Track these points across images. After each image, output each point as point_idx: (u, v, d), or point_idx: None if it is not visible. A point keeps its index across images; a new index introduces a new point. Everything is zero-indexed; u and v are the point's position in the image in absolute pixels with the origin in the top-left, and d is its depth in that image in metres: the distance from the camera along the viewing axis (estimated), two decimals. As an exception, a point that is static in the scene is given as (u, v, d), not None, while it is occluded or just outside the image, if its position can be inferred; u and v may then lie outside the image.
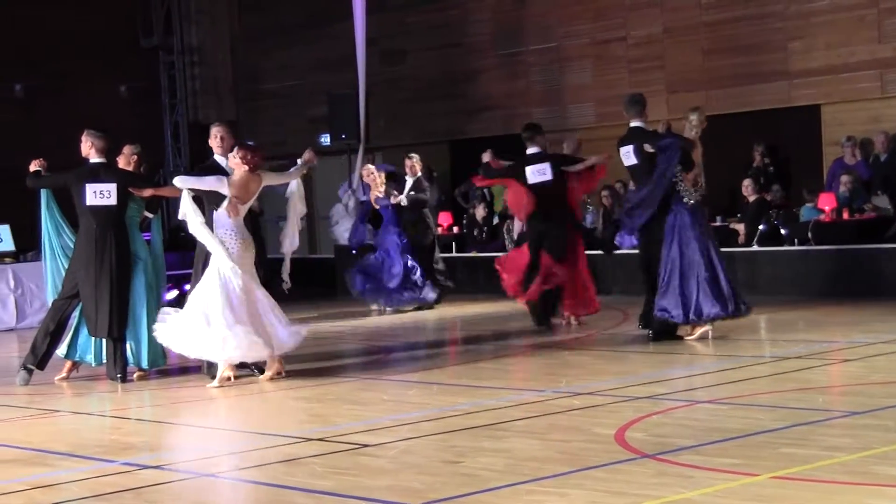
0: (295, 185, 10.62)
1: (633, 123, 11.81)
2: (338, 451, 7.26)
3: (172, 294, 18.04)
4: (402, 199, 16.19)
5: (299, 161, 10.68)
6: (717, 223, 16.74)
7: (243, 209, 10.04)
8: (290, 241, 10.64)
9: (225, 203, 9.95)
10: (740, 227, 16.64)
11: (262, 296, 10.14)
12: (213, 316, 9.79)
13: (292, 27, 23.09)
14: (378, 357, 12.18)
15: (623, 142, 11.81)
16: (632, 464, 6.45)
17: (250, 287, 10.01)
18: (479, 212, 19.55)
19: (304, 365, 11.26)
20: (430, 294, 16.09)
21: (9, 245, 16.88)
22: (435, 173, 19.79)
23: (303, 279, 12.29)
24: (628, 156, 11.71)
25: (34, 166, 10.71)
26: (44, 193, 10.96)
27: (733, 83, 18.23)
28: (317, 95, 21.80)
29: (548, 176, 13.03)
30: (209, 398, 9.75)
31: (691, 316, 11.14)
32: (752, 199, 16.80)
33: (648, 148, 11.51)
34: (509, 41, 20.66)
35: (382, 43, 21.51)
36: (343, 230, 20.05)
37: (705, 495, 5.70)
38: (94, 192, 10.40)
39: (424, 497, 5.98)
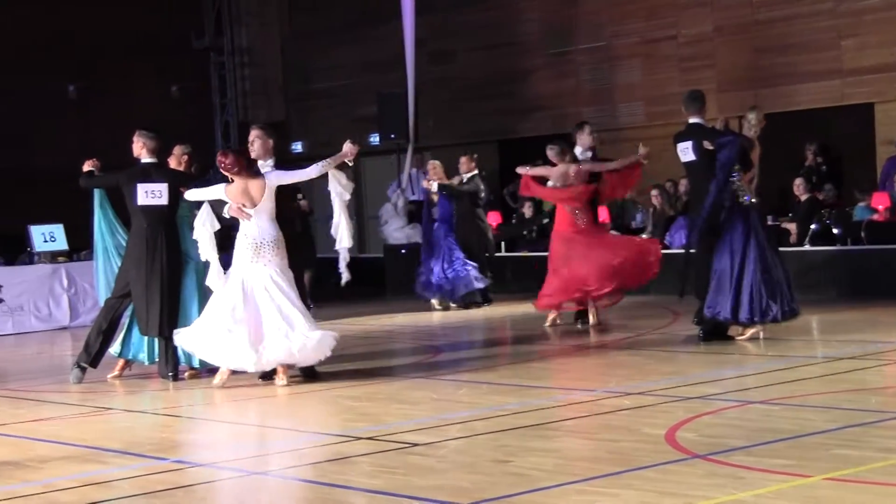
0: (331, 176, 10.44)
1: (692, 120, 11.70)
2: (387, 450, 7.27)
3: None
4: (433, 185, 16.30)
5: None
6: (769, 222, 16.60)
7: (258, 212, 9.94)
8: (341, 235, 10.48)
9: (226, 209, 10.01)
10: (792, 227, 16.51)
11: (270, 303, 9.91)
12: (214, 320, 9.95)
13: (342, 27, 23.15)
14: (428, 356, 12.18)
15: (681, 138, 11.69)
16: (683, 464, 6.41)
17: (253, 293, 9.91)
18: (527, 211, 19.53)
19: (355, 364, 11.29)
20: (478, 284, 16.15)
21: (62, 244, 17.03)
22: (483, 173, 19.77)
23: (352, 278, 12.30)
24: (686, 152, 11.60)
25: (87, 166, 10.81)
26: (97, 193, 11.05)
27: (784, 82, 18.10)
28: (366, 95, 21.85)
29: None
30: (260, 396, 9.79)
31: (744, 316, 11.06)
32: (803, 198, 16.66)
33: (707, 145, 11.38)
34: (559, 40, 20.61)
35: (431, 43, 21.52)
36: (392, 229, 20.12)
37: (757, 496, 5.66)
38: (146, 191, 10.46)
39: (474, 497, 5.97)
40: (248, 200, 9.95)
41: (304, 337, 9.87)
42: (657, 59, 19.50)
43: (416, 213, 20.37)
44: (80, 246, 16.89)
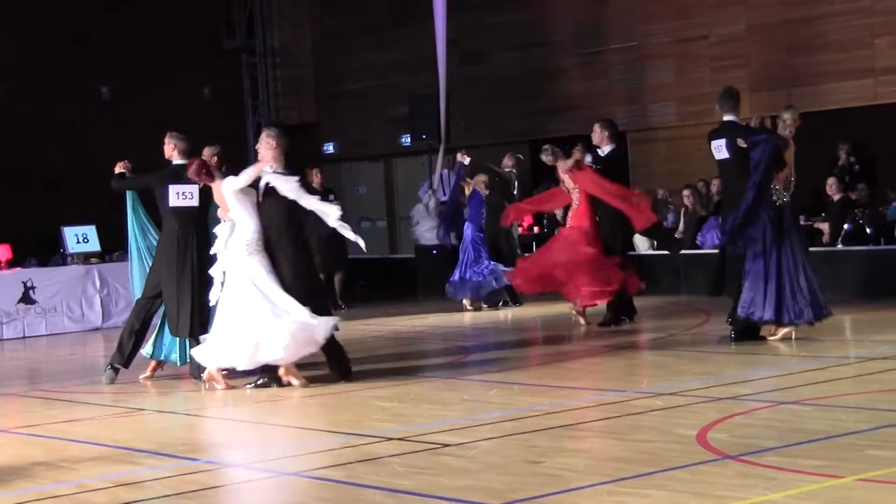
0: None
1: (727, 118, 11.69)
2: (418, 450, 7.27)
3: None
4: (466, 159, 16.51)
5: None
6: (802, 222, 16.53)
7: (231, 215, 10.04)
8: (328, 217, 10.11)
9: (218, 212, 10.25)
10: (825, 227, 16.42)
11: (258, 301, 9.92)
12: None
13: (373, 28, 23.19)
14: (459, 357, 12.18)
15: (715, 135, 11.68)
16: (714, 465, 6.39)
17: (235, 293, 9.95)
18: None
19: (386, 365, 11.31)
20: (502, 283, 16.15)
21: (95, 245, 17.12)
22: (515, 172, 19.76)
23: (384, 279, 12.36)
24: (720, 150, 11.59)
25: (119, 168, 10.87)
26: (129, 195, 11.11)
27: (817, 81, 18.00)
28: (398, 96, 21.87)
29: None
30: (290, 397, 9.82)
31: (775, 316, 10.99)
32: (836, 197, 16.56)
33: (741, 143, 11.35)
34: (590, 40, 20.56)
35: (463, 43, 21.52)
36: (424, 230, 20.12)
37: (789, 497, 5.63)
38: (177, 193, 10.49)
39: (505, 497, 5.96)
40: (222, 204, 10.13)
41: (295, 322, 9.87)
42: (689, 58, 19.43)
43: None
44: (113, 247, 17.00)
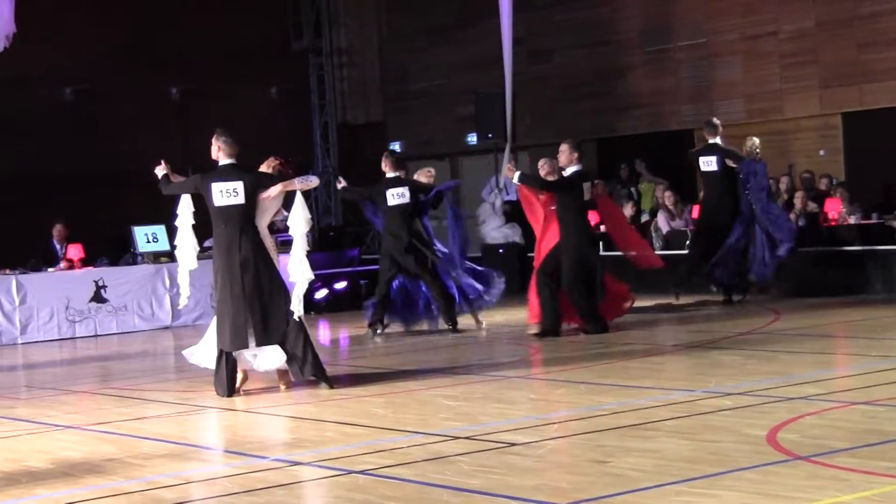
0: (298, 201, 10.41)
1: (712, 140, 15.43)
2: (485, 449, 7.27)
3: (322, 293, 18.31)
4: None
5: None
6: (873, 220, 16.34)
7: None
8: (304, 267, 10.34)
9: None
10: (896, 224, 16.23)
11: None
12: None
13: (439, 27, 23.21)
14: (526, 356, 12.16)
15: (705, 152, 15.50)
16: (784, 466, 6.32)
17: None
18: (627, 210, 19.39)
19: (452, 363, 11.31)
20: None
21: (164, 245, 17.30)
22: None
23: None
24: (710, 164, 15.34)
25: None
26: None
27: (888, 77, 17.75)
28: (464, 95, 21.87)
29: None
30: (358, 396, 9.85)
31: None
32: (909, 194, 16.37)
33: (730, 162, 15.13)
34: (657, 38, 20.44)
35: (529, 41, 21.48)
36: (490, 229, 20.12)
37: (861, 499, 5.56)
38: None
39: (572, 497, 5.94)
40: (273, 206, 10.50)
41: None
42: (758, 55, 19.24)
43: (514, 212, 20.34)
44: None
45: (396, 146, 23.88)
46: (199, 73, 22.42)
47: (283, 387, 10.34)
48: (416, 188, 14.18)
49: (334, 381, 10.26)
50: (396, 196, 13.94)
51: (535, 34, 21.59)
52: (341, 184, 14.51)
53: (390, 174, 14.03)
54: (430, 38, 23.36)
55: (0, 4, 15.52)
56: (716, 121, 15.65)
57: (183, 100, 22.55)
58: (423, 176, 14.61)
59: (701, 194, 16.57)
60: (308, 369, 10.15)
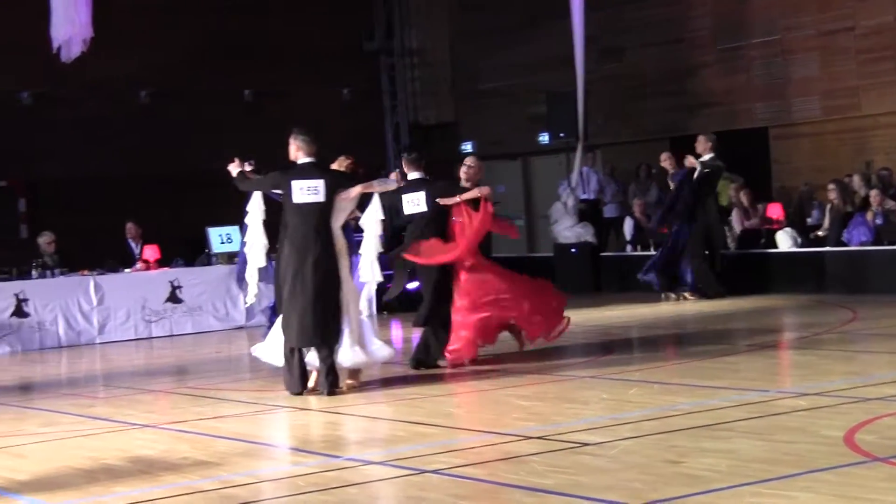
0: (377, 199, 10.55)
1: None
2: (558, 449, 7.25)
3: (414, 284, 18.34)
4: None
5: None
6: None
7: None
8: (374, 269, 10.47)
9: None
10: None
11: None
12: None
13: (511, 26, 23.18)
14: (598, 355, 12.11)
15: None
16: (863, 467, 6.24)
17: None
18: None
19: (524, 363, 11.29)
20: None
21: (238, 246, 17.39)
22: (654, 170, 19.60)
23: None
24: None
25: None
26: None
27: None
28: (535, 94, 21.83)
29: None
30: (428, 396, 9.86)
31: None
32: None
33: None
34: (731, 35, 20.26)
35: (601, 40, 21.38)
36: (562, 228, 20.06)
37: (941, 501, 5.47)
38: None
39: (645, 497, 5.91)
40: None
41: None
42: (834, 51, 19.00)
43: (587, 211, 20.28)
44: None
45: (468, 146, 23.91)
46: (272, 74, 22.59)
47: (349, 382, 10.32)
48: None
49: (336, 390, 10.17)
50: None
51: (607, 32, 21.49)
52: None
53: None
54: (501, 37, 23.33)
55: (77, 10, 15.75)
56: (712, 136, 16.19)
57: (256, 101, 22.73)
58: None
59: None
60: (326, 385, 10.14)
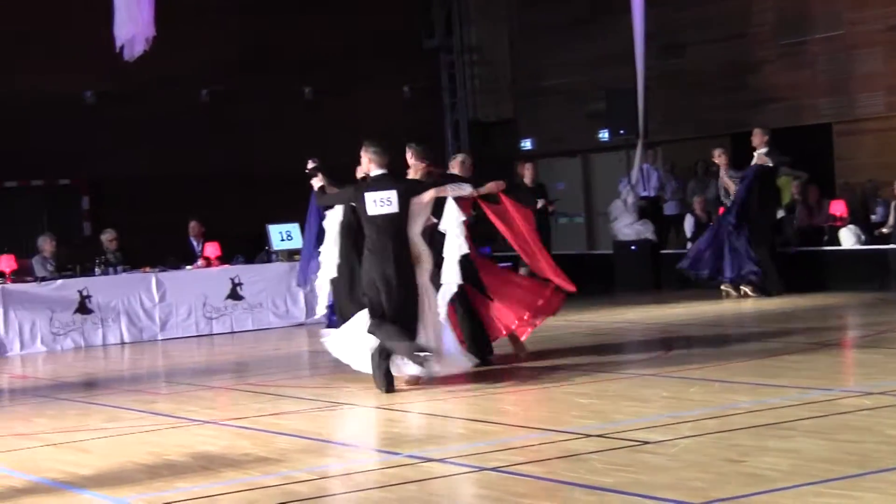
0: (450, 205, 10.59)
1: None
2: (618, 447, 7.22)
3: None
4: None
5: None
6: None
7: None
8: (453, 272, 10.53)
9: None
10: None
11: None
12: None
13: (570, 23, 23.10)
14: (659, 353, 12.04)
15: None
16: (928, 467, 6.16)
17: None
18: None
19: (583, 361, 11.25)
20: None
21: (298, 243, 17.50)
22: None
23: (581, 275, 12.22)
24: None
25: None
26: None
27: None
28: (595, 91, 21.75)
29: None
30: (487, 393, 9.86)
31: None
32: None
33: None
34: (793, 30, 20.06)
35: (661, 37, 21.23)
36: (622, 225, 19.99)
37: None
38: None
39: (707, 496, 5.87)
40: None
41: None
42: (898, 46, 18.77)
43: (647, 209, 20.19)
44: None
45: (528, 143, 23.88)
46: (331, 72, 22.67)
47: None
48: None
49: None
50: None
51: (667, 28, 21.34)
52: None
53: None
54: (560, 34, 23.26)
55: (140, 9, 15.88)
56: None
57: (315, 99, 22.81)
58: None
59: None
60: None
